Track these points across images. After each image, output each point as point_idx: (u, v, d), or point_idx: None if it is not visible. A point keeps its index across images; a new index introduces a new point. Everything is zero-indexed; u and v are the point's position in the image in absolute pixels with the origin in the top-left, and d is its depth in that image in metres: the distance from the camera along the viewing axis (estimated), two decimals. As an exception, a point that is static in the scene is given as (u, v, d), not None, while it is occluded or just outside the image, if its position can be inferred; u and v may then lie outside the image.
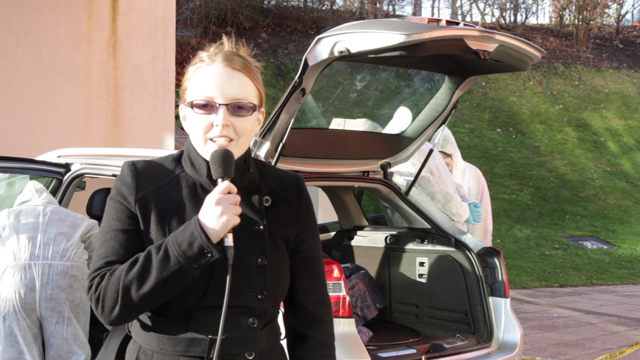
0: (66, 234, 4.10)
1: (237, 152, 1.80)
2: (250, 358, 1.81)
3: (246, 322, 1.80)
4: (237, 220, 1.71)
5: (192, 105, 1.80)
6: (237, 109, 1.78)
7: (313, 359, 1.92)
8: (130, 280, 1.70)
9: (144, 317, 1.83)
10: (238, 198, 1.73)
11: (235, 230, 1.73)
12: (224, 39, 1.87)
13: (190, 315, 1.78)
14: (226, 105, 1.77)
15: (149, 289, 1.70)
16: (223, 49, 1.85)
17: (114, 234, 1.79)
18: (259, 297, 1.80)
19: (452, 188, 5.34)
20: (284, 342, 1.96)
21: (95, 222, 4.28)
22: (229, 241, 1.71)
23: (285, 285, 1.89)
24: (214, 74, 1.79)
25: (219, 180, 1.74)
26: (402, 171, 5.02)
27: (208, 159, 1.79)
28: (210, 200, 1.71)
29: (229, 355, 1.77)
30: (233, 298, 1.73)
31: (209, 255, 1.69)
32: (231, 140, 1.78)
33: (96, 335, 4.13)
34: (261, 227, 1.83)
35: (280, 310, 1.94)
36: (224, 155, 1.74)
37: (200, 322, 1.77)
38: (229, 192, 1.72)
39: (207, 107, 1.78)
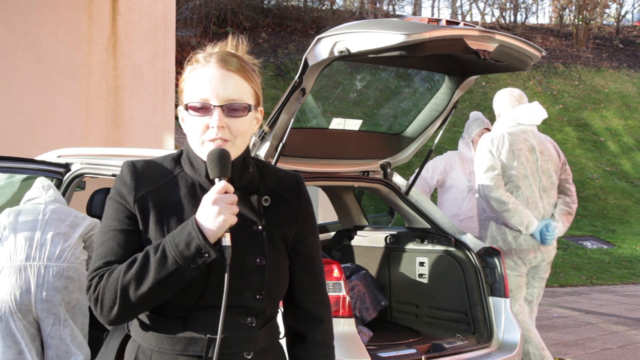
0: (64, 234, 4.08)
1: (235, 153, 1.80)
2: (249, 357, 1.81)
3: (244, 321, 1.80)
4: (234, 220, 1.71)
5: (187, 108, 1.80)
6: (232, 110, 1.78)
7: (312, 358, 1.92)
8: (128, 281, 1.71)
9: (143, 317, 1.83)
10: (235, 198, 1.72)
11: (233, 230, 1.73)
12: (229, 38, 1.88)
13: (189, 315, 1.78)
14: (221, 106, 1.77)
15: (146, 289, 1.70)
16: (219, 49, 1.85)
17: (112, 234, 1.79)
18: (257, 297, 1.80)
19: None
20: (283, 341, 1.96)
21: (97, 221, 4.26)
22: (227, 241, 1.71)
23: (284, 285, 1.89)
24: (208, 76, 1.79)
25: (216, 180, 1.74)
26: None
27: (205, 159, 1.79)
28: (207, 200, 1.71)
29: (228, 355, 1.77)
30: (231, 298, 1.73)
31: (206, 255, 1.69)
32: (227, 141, 1.78)
33: (96, 335, 4.13)
34: (259, 227, 1.83)
35: (279, 310, 1.94)
36: (221, 155, 1.74)
37: (199, 321, 1.77)
38: (226, 192, 1.72)
39: (202, 109, 1.78)
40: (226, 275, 1.70)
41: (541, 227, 4.82)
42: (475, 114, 6.03)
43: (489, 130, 5.80)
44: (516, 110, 4.93)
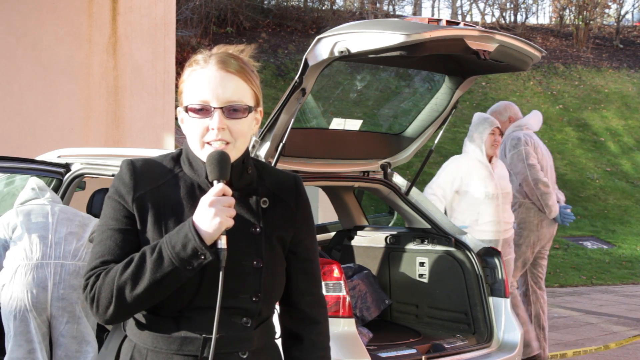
0: (76, 233, 4.12)
1: (235, 155, 1.80)
2: (244, 357, 1.81)
3: (240, 321, 1.80)
4: (231, 223, 1.71)
5: (187, 110, 1.80)
6: (232, 111, 1.78)
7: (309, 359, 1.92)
8: (124, 281, 1.71)
9: (139, 316, 1.84)
10: (232, 200, 1.72)
11: (231, 232, 1.73)
12: (242, 45, 1.88)
13: (185, 315, 1.78)
14: (221, 108, 1.77)
15: (142, 290, 1.70)
16: (219, 50, 1.84)
17: (110, 233, 1.80)
18: (254, 299, 1.80)
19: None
20: (279, 341, 1.96)
21: None
22: (222, 243, 1.71)
23: (280, 287, 1.89)
24: (208, 77, 1.79)
25: (215, 182, 1.74)
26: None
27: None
28: (204, 202, 1.71)
29: (223, 354, 1.78)
30: (227, 299, 1.74)
31: (202, 257, 1.70)
32: (228, 143, 1.78)
33: (96, 335, 4.13)
34: (257, 229, 1.83)
35: (275, 310, 1.94)
36: (220, 158, 1.74)
37: (194, 321, 1.78)
38: (223, 194, 1.72)
39: (202, 111, 1.78)
40: (220, 277, 1.70)
41: (560, 210, 5.81)
42: (481, 115, 5.77)
43: (500, 128, 5.59)
44: (525, 118, 5.96)
